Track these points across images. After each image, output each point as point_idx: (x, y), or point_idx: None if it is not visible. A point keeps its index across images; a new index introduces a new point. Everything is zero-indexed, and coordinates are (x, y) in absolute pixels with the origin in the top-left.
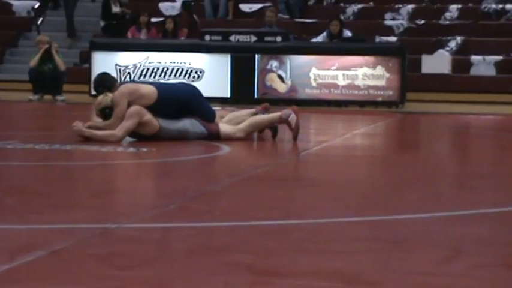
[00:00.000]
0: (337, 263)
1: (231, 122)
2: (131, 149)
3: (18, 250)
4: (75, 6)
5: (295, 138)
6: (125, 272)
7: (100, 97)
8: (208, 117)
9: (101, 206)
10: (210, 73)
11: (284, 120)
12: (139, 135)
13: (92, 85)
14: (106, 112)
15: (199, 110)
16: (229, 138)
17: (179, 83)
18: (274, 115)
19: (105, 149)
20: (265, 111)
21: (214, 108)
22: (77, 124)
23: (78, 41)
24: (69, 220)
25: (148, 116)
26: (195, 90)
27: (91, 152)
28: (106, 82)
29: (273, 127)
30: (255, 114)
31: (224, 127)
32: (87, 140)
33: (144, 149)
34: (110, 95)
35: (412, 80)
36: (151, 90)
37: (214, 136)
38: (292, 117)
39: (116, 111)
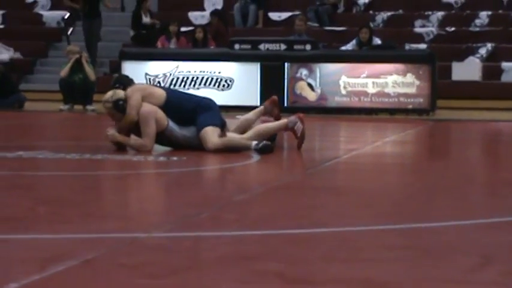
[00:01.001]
0: (367, 271)
1: (239, 128)
2: (161, 158)
3: (49, 260)
4: (97, 34)
5: (299, 147)
6: (156, 281)
7: (110, 92)
8: (199, 127)
9: (132, 215)
10: (240, 82)
11: (290, 129)
12: None
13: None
14: (120, 105)
15: (195, 119)
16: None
17: (194, 94)
18: (281, 123)
19: (135, 158)
20: (274, 105)
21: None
22: (110, 130)
23: (99, 67)
24: (100, 230)
25: (160, 113)
26: (203, 102)
27: (122, 161)
28: (123, 80)
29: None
30: (263, 113)
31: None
32: (119, 147)
33: (175, 158)
34: (120, 91)
35: (442, 87)
36: (160, 91)
37: None
38: (298, 126)
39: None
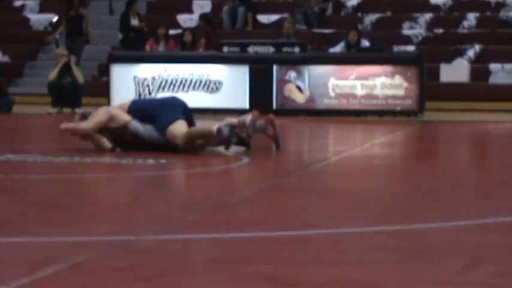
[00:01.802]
0: (356, 273)
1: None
2: (150, 161)
3: (38, 263)
4: (79, 52)
5: (277, 147)
6: (145, 284)
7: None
8: (162, 126)
9: (121, 218)
10: (229, 84)
11: (262, 132)
12: (111, 131)
13: None
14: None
15: (158, 119)
16: (173, 139)
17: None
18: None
19: (124, 161)
20: (270, 123)
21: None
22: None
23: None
24: (89, 232)
25: (118, 111)
26: (165, 100)
27: (110, 164)
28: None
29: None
30: (257, 130)
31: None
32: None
33: (163, 161)
34: None
35: (430, 89)
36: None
37: (172, 145)
38: (269, 130)
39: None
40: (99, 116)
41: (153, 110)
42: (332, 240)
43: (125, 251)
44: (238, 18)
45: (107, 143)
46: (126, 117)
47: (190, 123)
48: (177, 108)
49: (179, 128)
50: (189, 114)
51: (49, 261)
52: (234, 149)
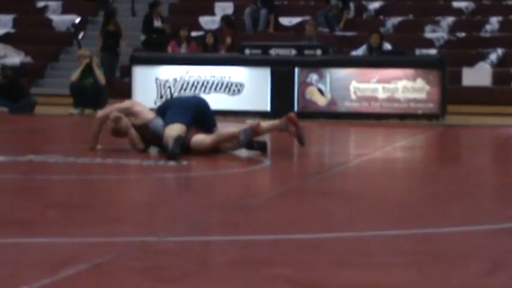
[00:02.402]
0: (376, 276)
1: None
2: (172, 163)
3: (60, 263)
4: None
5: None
6: (166, 285)
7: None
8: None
9: (142, 219)
10: (250, 87)
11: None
12: (135, 128)
13: None
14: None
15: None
16: (199, 149)
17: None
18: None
19: (146, 163)
20: (291, 122)
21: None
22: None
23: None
24: (111, 233)
25: (142, 107)
26: (179, 99)
27: (132, 165)
28: None
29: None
30: (279, 129)
31: (197, 136)
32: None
33: (185, 163)
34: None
35: (452, 93)
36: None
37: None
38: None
39: None
40: (125, 102)
41: (167, 109)
42: (352, 243)
43: (146, 253)
44: (260, 21)
45: (140, 144)
46: (149, 116)
47: (207, 125)
48: (186, 110)
49: (171, 131)
50: (205, 115)
51: (70, 261)
52: (248, 152)
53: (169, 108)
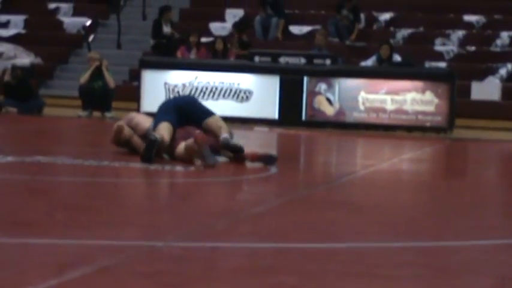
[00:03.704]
0: (381, 287)
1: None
2: (179, 168)
3: (66, 265)
4: None
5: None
6: None
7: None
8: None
9: (149, 223)
10: (259, 94)
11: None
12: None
13: None
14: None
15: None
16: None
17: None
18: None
19: (153, 167)
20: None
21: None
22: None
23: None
24: (118, 237)
25: (138, 118)
26: (162, 105)
27: (139, 169)
28: None
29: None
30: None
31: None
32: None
33: (192, 168)
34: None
35: (461, 107)
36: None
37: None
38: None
39: None
40: (129, 114)
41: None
42: (358, 254)
43: (152, 257)
44: (271, 29)
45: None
46: (146, 125)
47: (194, 121)
48: (167, 111)
49: (158, 131)
50: (189, 112)
51: (76, 264)
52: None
53: (156, 114)
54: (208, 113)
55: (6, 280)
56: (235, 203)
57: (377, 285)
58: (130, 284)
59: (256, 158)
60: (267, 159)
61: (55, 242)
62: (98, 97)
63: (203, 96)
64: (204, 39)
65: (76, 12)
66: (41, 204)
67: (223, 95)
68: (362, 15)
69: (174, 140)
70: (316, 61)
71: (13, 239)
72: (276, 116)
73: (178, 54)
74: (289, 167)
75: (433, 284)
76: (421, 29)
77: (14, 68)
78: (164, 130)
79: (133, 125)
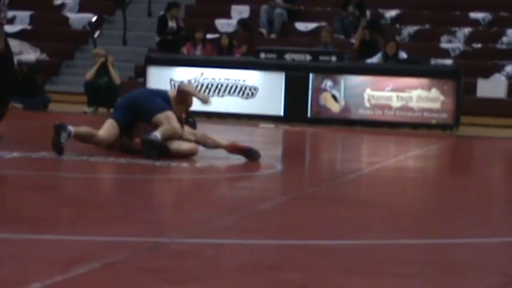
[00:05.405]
0: (387, 284)
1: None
2: (184, 164)
3: (71, 261)
4: None
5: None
6: (176, 287)
7: None
8: None
9: (155, 220)
10: (264, 91)
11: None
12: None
13: None
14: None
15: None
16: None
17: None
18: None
19: (158, 163)
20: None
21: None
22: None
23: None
24: (123, 233)
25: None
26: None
27: (145, 166)
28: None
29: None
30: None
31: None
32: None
33: (198, 165)
34: None
35: (466, 104)
36: None
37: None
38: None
39: None
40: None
41: None
42: (364, 251)
43: (158, 253)
44: (276, 21)
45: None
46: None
47: (142, 117)
48: (118, 108)
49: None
50: (137, 107)
51: (82, 260)
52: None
53: None
54: (159, 109)
55: (12, 276)
56: (241, 199)
57: (384, 282)
58: (135, 280)
59: (236, 149)
60: (247, 153)
61: (60, 238)
62: (103, 93)
63: (209, 92)
64: (209, 36)
65: (82, 8)
66: (46, 200)
67: (229, 92)
68: (368, 12)
69: (125, 135)
70: (322, 58)
71: (18, 234)
72: (282, 113)
73: (184, 50)
74: (294, 163)
75: (440, 281)
76: (427, 26)
77: (20, 63)
78: (103, 128)
79: None
